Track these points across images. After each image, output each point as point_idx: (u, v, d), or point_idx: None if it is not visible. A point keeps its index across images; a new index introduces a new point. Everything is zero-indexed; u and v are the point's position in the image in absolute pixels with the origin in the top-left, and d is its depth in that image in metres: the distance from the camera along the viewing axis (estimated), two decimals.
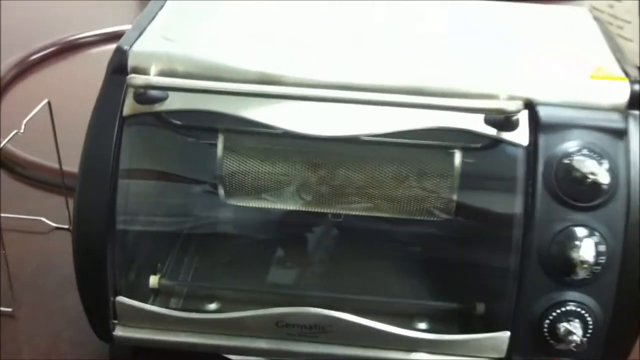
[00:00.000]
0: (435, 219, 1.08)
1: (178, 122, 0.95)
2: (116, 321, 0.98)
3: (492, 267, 1.01)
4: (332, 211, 1.09)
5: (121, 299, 0.97)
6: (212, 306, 1.07)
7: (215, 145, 1.00)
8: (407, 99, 0.87)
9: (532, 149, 0.89)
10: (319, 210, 1.09)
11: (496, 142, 0.93)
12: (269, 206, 1.09)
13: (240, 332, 0.98)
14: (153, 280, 1.07)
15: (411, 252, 1.19)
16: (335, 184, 1.03)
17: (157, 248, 1.05)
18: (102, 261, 0.93)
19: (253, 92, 0.88)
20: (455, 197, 1.03)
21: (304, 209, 1.09)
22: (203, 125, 1.05)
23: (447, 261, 1.16)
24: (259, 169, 1.05)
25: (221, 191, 1.07)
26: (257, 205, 1.10)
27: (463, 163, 0.99)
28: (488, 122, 0.90)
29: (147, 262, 1.07)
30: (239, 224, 1.20)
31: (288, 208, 1.10)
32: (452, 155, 1.01)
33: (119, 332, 0.99)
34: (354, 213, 1.10)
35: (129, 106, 0.93)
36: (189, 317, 0.98)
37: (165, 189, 1.07)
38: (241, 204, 1.11)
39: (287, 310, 0.95)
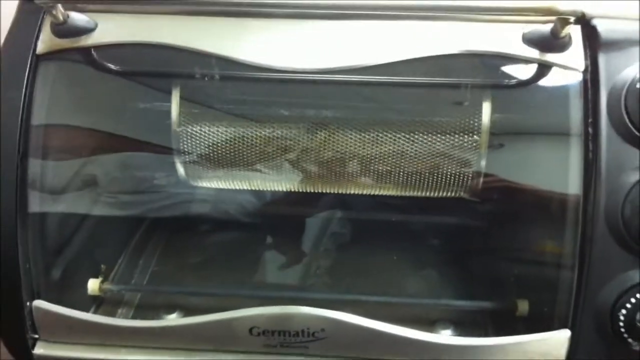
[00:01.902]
0: (457, 193, 0.84)
1: (113, 66, 0.68)
2: (36, 335, 0.71)
3: (538, 252, 0.82)
4: (327, 190, 0.83)
5: (40, 303, 0.71)
6: (172, 317, 0.80)
7: (167, 96, 0.73)
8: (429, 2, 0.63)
9: (590, 74, 0.68)
10: (312, 190, 0.84)
11: (539, 72, 0.67)
12: (248, 187, 0.83)
13: (203, 344, 0.71)
14: (92, 285, 0.81)
15: (428, 242, 0.93)
16: (329, 151, 0.77)
17: (99, 243, 0.79)
18: (10, 252, 0.67)
19: (216, 9, 0.63)
20: (483, 162, 0.81)
21: (292, 189, 0.86)
22: (148, 70, 0.79)
23: (474, 251, 0.96)
24: (232, 134, 0.79)
25: (180, 169, 0.81)
26: (232, 186, 0.83)
27: (494, 109, 0.78)
28: (529, 41, 0.65)
29: (85, 262, 0.80)
30: (211, 212, 1.00)
31: (273, 188, 0.88)
32: (478, 100, 0.78)
33: (40, 349, 0.73)
34: (355, 192, 0.86)
35: (46, 42, 0.70)
36: (137, 327, 0.73)
37: (106, 158, 0.80)
38: (209, 186, 0.84)
39: (264, 310, 0.69)
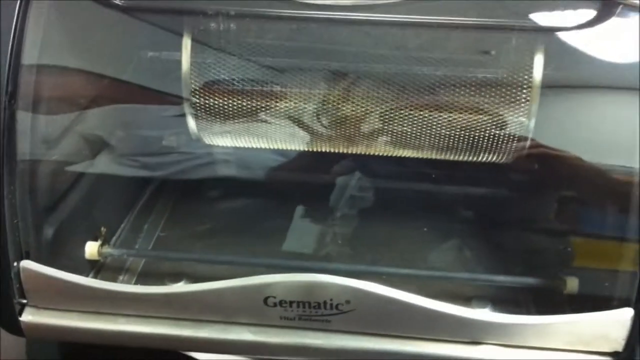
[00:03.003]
0: (498, 158, 0.75)
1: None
2: (24, 300, 0.63)
3: (591, 223, 0.75)
4: (349, 150, 0.74)
5: (28, 264, 0.62)
6: (178, 286, 0.71)
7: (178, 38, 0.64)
8: None
9: None
10: (331, 149, 0.74)
11: (604, 10, 0.58)
12: (264, 145, 0.78)
13: (211, 315, 0.62)
14: (91, 249, 0.72)
15: (461, 212, 0.83)
16: (355, 105, 0.68)
17: (100, 203, 0.70)
18: None
19: None
20: (531, 123, 0.70)
21: (310, 148, 0.77)
22: (154, 6, 0.70)
23: (512, 222, 0.87)
24: (247, 84, 0.70)
25: (192, 123, 0.72)
26: (246, 144, 0.74)
27: (547, 58, 0.67)
28: None
29: (84, 223, 0.71)
30: (222, 174, 0.92)
31: (290, 147, 0.78)
32: (528, 47, 0.68)
33: (28, 316, 0.64)
34: (379, 153, 0.77)
35: None
36: (139, 293, 0.64)
37: (107, 111, 0.71)
38: (222, 144, 0.75)
39: (282, 278, 0.60)
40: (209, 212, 0.91)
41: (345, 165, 0.87)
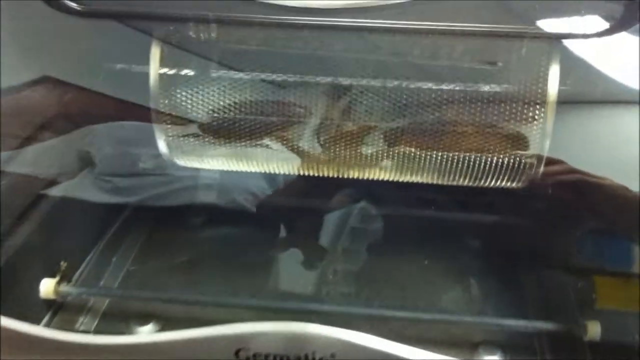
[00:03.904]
0: (509, 183, 0.66)
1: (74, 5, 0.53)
2: None
3: (618, 256, 0.68)
4: (345, 174, 0.69)
5: None
6: (146, 329, 0.62)
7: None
8: None
9: None
10: (323, 173, 0.69)
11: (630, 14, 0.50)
12: (246, 167, 0.69)
13: None
14: (46, 287, 0.63)
15: (467, 244, 0.74)
16: (348, 121, 0.61)
17: (62, 231, 0.62)
18: None
19: None
20: (546, 142, 0.62)
21: (302, 171, 0.69)
22: (115, 10, 0.61)
23: (526, 257, 0.79)
24: (228, 97, 0.64)
25: (161, 144, 0.64)
26: (228, 168, 0.69)
27: (564, 70, 0.59)
28: None
29: (41, 256, 0.63)
30: (206, 199, 0.83)
31: (278, 170, 0.70)
32: (542, 56, 0.60)
33: None
34: (378, 177, 0.69)
35: None
36: (99, 344, 0.55)
37: (69, 123, 0.70)
38: (199, 166, 0.67)
39: (257, 327, 0.51)
40: (187, 242, 0.83)
41: (341, 190, 0.79)
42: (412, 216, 0.81)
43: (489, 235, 0.81)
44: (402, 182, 0.70)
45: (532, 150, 0.65)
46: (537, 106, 0.63)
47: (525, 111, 0.63)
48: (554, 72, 0.62)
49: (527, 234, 0.78)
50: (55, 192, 0.73)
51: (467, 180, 0.68)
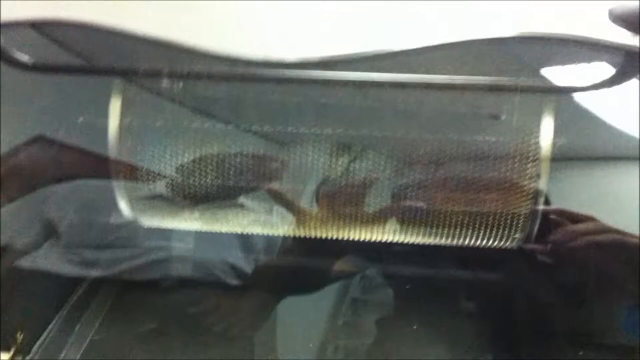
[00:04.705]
0: (504, 242, 0.61)
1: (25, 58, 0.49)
2: None
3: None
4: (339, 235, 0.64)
5: None
6: None
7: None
8: None
9: None
10: (306, 234, 0.64)
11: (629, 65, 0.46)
12: (227, 229, 0.66)
13: None
14: None
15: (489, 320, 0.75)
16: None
17: (20, 299, 0.56)
18: None
19: None
20: (540, 198, 0.58)
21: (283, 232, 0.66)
22: (68, 65, 0.56)
23: (526, 327, 0.72)
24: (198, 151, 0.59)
25: (123, 203, 0.59)
26: (201, 228, 0.66)
27: (558, 124, 0.56)
28: (620, 18, 0.44)
29: None
30: (180, 273, 0.77)
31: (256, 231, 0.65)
32: (535, 110, 0.57)
33: None
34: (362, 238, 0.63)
35: None
36: None
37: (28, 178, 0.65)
38: (168, 226, 0.62)
39: None
40: (157, 307, 0.76)
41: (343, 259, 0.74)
42: (425, 284, 0.75)
43: (511, 312, 0.74)
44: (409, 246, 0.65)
45: (527, 207, 0.60)
46: (530, 163, 0.58)
47: (518, 167, 0.59)
48: (548, 124, 0.57)
49: (556, 308, 0.71)
50: (23, 263, 0.70)
51: (461, 241, 0.64)
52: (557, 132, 0.57)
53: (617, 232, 0.61)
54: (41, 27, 0.57)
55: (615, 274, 0.64)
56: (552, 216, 0.63)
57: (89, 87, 0.61)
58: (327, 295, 0.79)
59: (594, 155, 0.62)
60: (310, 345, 0.75)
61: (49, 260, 0.74)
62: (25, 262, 0.72)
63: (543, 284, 0.69)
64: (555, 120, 0.56)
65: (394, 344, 0.75)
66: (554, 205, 0.63)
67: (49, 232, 0.75)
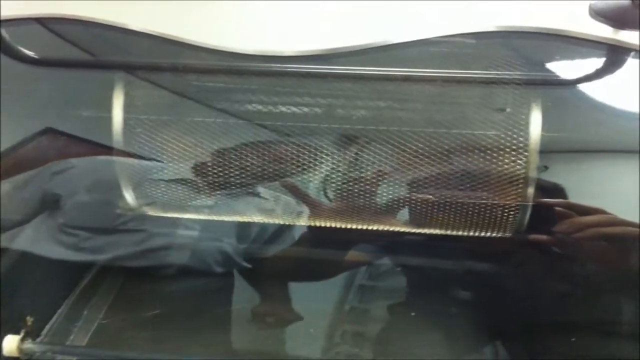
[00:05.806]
0: (496, 232, 0.63)
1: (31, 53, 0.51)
2: None
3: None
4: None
5: None
6: None
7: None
8: None
9: None
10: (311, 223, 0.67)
11: (613, 59, 0.46)
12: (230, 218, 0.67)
13: None
14: (9, 344, 0.61)
15: (500, 308, 0.75)
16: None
17: (30, 283, 0.59)
18: None
19: None
20: (530, 189, 0.59)
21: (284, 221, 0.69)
22: (72, 59, 0.59)
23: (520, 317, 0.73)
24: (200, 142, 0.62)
25: (128, 193, 0.61)
26: (204, 217, 0.68)
27: (546, 116, 0.57)
28: (600, 13, 0.46)
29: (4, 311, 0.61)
30: (182, 261, 0.80)
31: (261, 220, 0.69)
32: (523, 103, 0.57)
33: None
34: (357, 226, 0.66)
35: None
36: None
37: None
38: (175, 216, 0.64)
39: None
40: (162, 293, 0.79)
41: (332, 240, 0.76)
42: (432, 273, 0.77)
43: (521, 303, 0.75)
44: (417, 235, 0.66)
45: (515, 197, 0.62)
46: (519, 154, 0.60)
47: (507, 159, 0.60)
48: (536, 117, 0.59)
49: (571, 298, 0.72)
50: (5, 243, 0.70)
51: (453, 230, 0.65)
52: (551, 123, 0.58)
53: (627, 223, 0.61)
54: (47, 23, 0.59)
55: (624, 265, 0.64)
56: (560, 208, 0.64)
57: (93, 81, 0.64)
58: (335, 282, 0.81)
59: (583, 148, 0.63)
60: (318, 330, 0.77)
61: (37, 239, 0.75)
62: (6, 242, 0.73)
63: (552, 275, 0.70)
64: (547, 112, 0.58)
65: (401, 331, 0.76)
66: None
67: (46, 207, 0.76)
